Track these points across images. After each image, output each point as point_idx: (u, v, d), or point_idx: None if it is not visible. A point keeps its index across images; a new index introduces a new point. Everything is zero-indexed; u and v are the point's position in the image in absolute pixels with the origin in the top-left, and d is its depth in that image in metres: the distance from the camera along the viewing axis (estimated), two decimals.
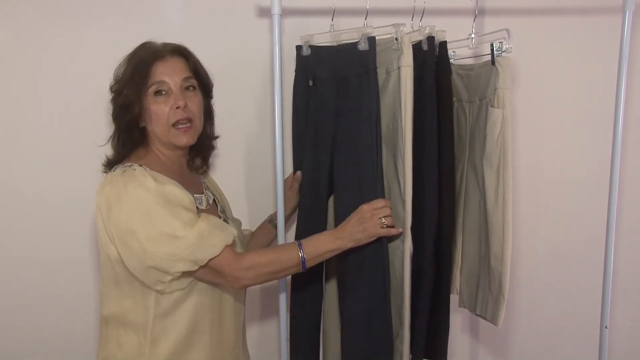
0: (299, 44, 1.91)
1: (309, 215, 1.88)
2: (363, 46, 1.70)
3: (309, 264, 1.58)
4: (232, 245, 1.53)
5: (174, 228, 1.44)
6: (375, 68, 1.68)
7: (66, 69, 2.01)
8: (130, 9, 2.02)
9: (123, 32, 1.98)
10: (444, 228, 1.80)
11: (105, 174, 1.58)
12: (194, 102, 1.60)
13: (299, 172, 1.93)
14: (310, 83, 1.85)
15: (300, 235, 1.87)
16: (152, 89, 1.54)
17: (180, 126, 1.56)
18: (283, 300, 1.83)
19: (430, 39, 1.71)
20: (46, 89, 2.01)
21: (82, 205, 1.99)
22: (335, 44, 1.85)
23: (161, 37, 1.64)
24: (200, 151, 1.74)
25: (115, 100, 1.58)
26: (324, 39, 1.88)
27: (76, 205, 2.05)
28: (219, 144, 1.86)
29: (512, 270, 1.75)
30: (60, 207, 2.06)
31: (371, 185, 1.69)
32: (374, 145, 1.68)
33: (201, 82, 1.66)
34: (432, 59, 1.72)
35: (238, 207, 2.00)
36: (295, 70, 1.90)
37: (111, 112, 1.61)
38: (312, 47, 1.86)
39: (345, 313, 1.78)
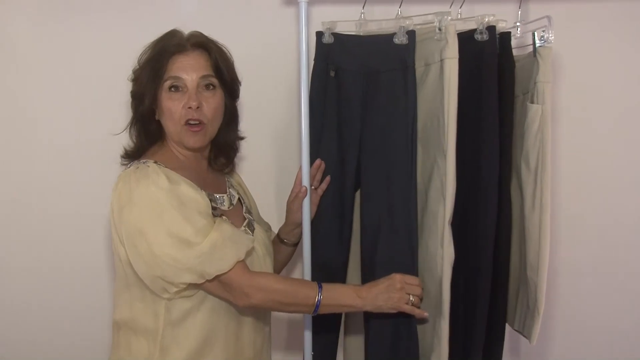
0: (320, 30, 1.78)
1: (327, 214, 1.78)
2: (400, 40, 1.61)
3: (321, 310, 1.49)
4: (244, 261, 1.46)
5: (185, 233, 1.38)
6: (413, 65, 1.60)
7: (83, 59, 1.97)
8: None
9: (138, 20, 1.93)
10: (503, 237, 1.69)
11: (122, 167, 1.54)
12: (211, 103, 1.52)
13: (319, 162, 1.79)
14: (332, 74, 1.75)
15: (315, 236, 1.76)
16: (167, 84, 1.49)
17: (190, 124, 1.50)
18: (309, 318, 1.75)
19: (491, 28, 1.59)
20: (63, 79, 1.98)
21: (99, 202, 1.84)
22: (362, 33, 1.78)
23: (177, 26, 1.58)
24: (222, 151, 1.66)
25: (132, 92, 1.55)
26: (348, 27, 1.78)
27: (92, 202, 1.99)
28: (245, 140, 1.77)
29: (551, 283, 1.68)
30: (76, 205, 2.02)
31: (404, 185, 1.61)
32: (409, 144, 1.61)
33: (223, 80, 1.57)
34: (492, 50, 1.60)
35: (266, 209, 1.91)
36: (315, 59, 1.78)
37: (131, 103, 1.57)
38: (335, 35, 1.75)
39: (370, 327, 1.70)
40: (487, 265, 1.65)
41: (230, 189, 1.66)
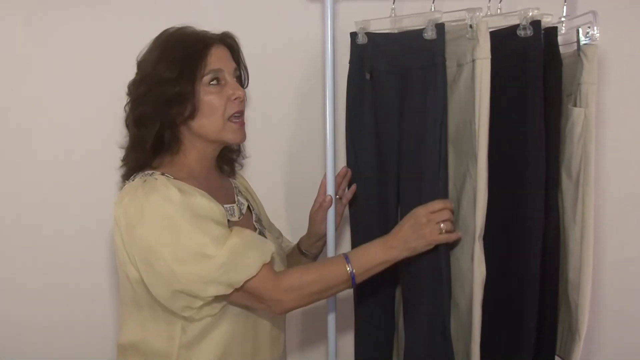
0: (348, 29, 1.73)
1: (369, 231, 1.68)
2: (430, 34, 1.54)
3: (359, 279, 1.43)
4: (270, 264, 1.39)
5: (203, 246, 1.31)
6: (443, 61, 1.52)
7: (85, 61, 1.87)
8: None
9: (151, 19, 1.81)
10: (551, 253, 1.58)
11: (123, 184, 1.46)
12: (243, 95, 1.49)
13: (345, 170, 1.75)
14: (367, 76, 1.70)
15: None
16: (207, 78, 1.41)
17: (235, 120, 1.44)
18: (332, 323, 1.70)
19: (536, 24, 1.48)
20: (63, 83, 1.88)
21: (100, 216, 1.86)
22: (395, 30, 1.71)
23: (193, 23, 1.50)
24: (228, 152, 1.63)
25: (151, 98, 1.39)
26: (382, 25, 1.70)
27: (93, 217, 1.92)
28: (254, 142, 1.71)
29: (595, 303, 1.59)
30: (75, 219, 1.93)
31: (431, 193, 1.54)
32: (437, 149, 1.53)
33: (243, 72, 1.57)
34: (537, 47, 1.49)
35: (275, 213, 1.83)
36: (350, 62, 1.73)
37: (133, 114, 1.44)
38: (369, 34, 1.69)
39: (405, 343, 1.63)
40: (533, 286, 1.53)
41: (239, 196, 1.59)
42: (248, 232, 1.41)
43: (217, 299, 1.35)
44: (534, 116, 1.50)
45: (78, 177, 1.90)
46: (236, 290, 1.33)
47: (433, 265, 1.53)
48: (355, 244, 1.74)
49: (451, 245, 1.55)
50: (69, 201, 1.92)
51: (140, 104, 1.41)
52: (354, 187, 1.72)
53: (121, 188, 1.43)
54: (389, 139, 1.66)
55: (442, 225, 1.46)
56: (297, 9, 1.90)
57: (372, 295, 1.75)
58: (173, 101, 1.38)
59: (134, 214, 1.34)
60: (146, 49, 1.45)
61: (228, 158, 1.63)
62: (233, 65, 1.47)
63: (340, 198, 1.72)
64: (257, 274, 1.34)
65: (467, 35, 1.49)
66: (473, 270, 1.49)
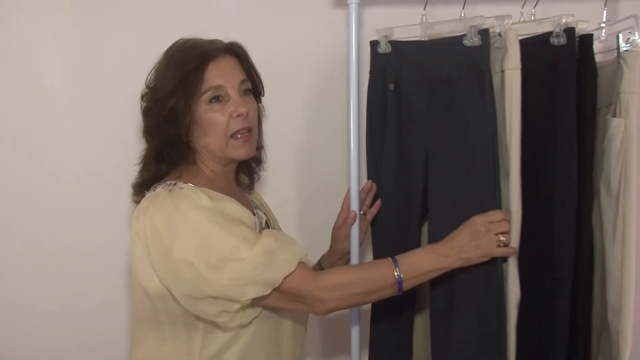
0: (371, 37, 1.67)
1: (391, 247, 1.61)
2: (472, 41, 1.48)
3: (406, 286, 1.37)
4: (305, 265, 1.36)
5: (236, 249, 1.29)
6: (489, 69, 1.46)
7: (101, 70, 1.82)
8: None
9: (170, 28, 1.70)
10: (584, 274, 1.50)
11: (137, 197, 1.46)
12: (252, 108, 1.46)
13: (369, 185, 1.68)
14: (391, 87, 1.63)
15: None
16: (206, 96, 1.39)
17: (239, 136, 1.42)
18: (355, 336, 1.63)
19: (569, 31, 1.43)
20: (73, 92, 1.83)
21: (112, 234, 1.83)
22: (424, 38, 1.65)
23: (211, 29, 1.48)
24: (247, 167, 1.62)
25: (154, 112, 1.41)
26: (408, 33, 1.64)
27: (105, 234, 1.87)
28: (272, 155, 1.70)
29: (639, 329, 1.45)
30: (84, 237, 1.88)
31: (485, 206, 1.47)
32: (490, 162, 1.46)
33: (254, 84, 1.52)
34: (570, 56, 1.44)
35: (293, 230, 1.81)
36: (370, 72, 1.67)
37: (144, 125, 1.45)
38: (393, 42, 1.63)
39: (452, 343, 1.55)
40: (564, 309, 1.47)
41: (257, 210, 1.57)
42: (278, 232, 1.42)
43: (254, 302, 1.32)
44: (565, 130, 1.44)
45: (90, 194, 1.87)
46: (275, 290, 1.30)
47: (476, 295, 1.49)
48: (377, 252, 1.69)
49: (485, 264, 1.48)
50: (80, 215, 1.88)
51: (145, 116, 1.44)
52: (378, 202, 1.67)
53: (136, 200, 1.44)
54: (415, 153, 1.60)
55: (500, 237, 1.41)
56: (320, 15, 1.85)
57: (388, 318, 1.69)
58: (169, 121, 1.38)
59: (162, 224, 1.31)
60: (159, 59, 1.44)
61: (247, 166, 1.61)
62: (239, 77, 1.43)
63: (365, 214, 1.67)
64: (295, 270, 1.31)
65: (495, 44, 1.45)
66: (507, 291, 1.44)
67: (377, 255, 1.68)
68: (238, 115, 1.40)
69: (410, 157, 1.62)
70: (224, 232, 1.30)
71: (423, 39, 1.63)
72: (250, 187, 1.65)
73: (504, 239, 1.40)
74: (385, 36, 1.63)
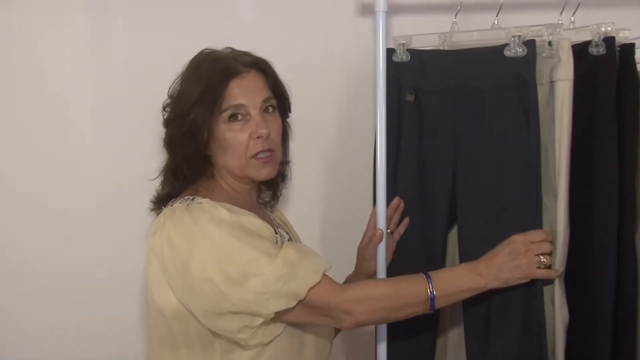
0: (390, 46, 1.60)
1: (411, 260, 1.60)
2: (516, 51, 1.43)
3: (438, 304, 1.32)
4: (329, 277, 1.32)
5: (257, 262, 1.26)
6: (534, 81, 1.41)
7: (120, 80, 1.77)
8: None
9: (182, 31, 1.75)
10: (626, 299, 1.44)
11: (155, 212, 1.44)
12: (275, 128, 1.41)
13: (397, 201, 1.61)
14: (410, 98, 1.57)
15: None
16: (226, 114, 1.35)
17: (260, 156, 1.38)
18: (382, 354, 1.55)
19: (609, 40, 1.38)
20: (93, 99, 1.77)
21: (126, 250, 1.74)
22: (446, 47, 1.61)
23: (229, 37, 1.45)
24: (271, 182, 1.55)
25: (174, 125, 1.39)
26: (427, 41, 1.60)
27: (118, 251, 1.80)
28: (294, 169, 1.64)
29: None
30: (99, 253, 1.81)
31: (524, 227, 1.40)
32: (532, 180, 1.42)
33: (280, 101, 1.46)
34: (610, 66, 1.39)
35: (316, 248, 1.62)
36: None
37: (165, 137, 1.43)
38: (412, 51, 1.57)
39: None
40: (605, 337, 1.42)
41: (279, 229, 1.52)
42: (300, 244, 1.41)
43: (277, 317, 1.27)
44: (603, 146, 1.40)
45: (105, 209, 1.80)
46: (299, 303, 1.25)
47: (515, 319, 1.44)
48: (392, 274, 1.61)
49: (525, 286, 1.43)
50: (95, 236, 1.81)
51: (167, 127, 1.42)
52: (406, 220, 1.60)
53: (154, 215, 1.42)
54: (440, 168, 1.56)
55: (542, 258, 1.36)
56: (345, 24, 1.80)
57: (408, 337, 1.62)
58: (189, 135, 1.36)
59: (180, 239, 1.29)
60: (183, 69, 1.42)
61: (271, 181, 1.54)
62: (263, 95, 1.39)
63: (392, 232, 1.60)
64: (320, 281, 1.27)
65: (543, 54, 1.40)
66: (555, 314, 1.40)
67: (397, 273, 1.62)
68: (258, 137, 1.36)
69: (433, 172, 1.57)
70: (244, 246, 1.27)
71: (451, 48, 1.60)
72: (272, 204, 1.61)
73: (545, 260, 1.36)
74: (403, 44, 1.58)
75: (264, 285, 1.24)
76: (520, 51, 1.41)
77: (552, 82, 1.37)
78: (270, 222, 1.49)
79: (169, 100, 1.41)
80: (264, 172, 1.39)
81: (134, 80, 1.75)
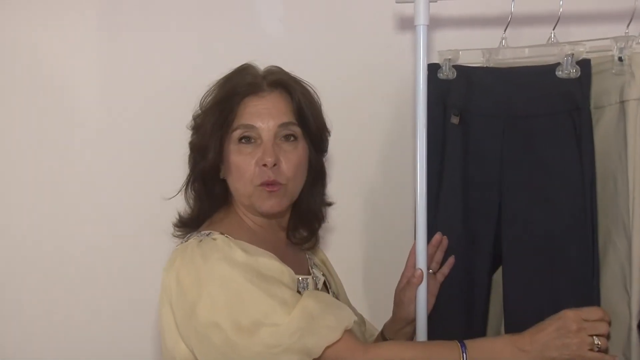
0: (435, 61, 1.54)
1: (449, 304, 1.50)
2: (568, 72, 1.32)
3: None
4: (353, 332, 1.24)
5: (272, 311, 1.19)
6: (588, 106, 1.31)
7: (142, 96, 1.69)
8: (214, 14, 1.69)
9: (211, 53, 1.68)
10: None
11: (177, 238, 1.38)
12: (291, 159, 1.31)
13: (439, 237, 1.51)
14: (454, 120, 1.48)
15: (433, 333, 1.49)
16: (236, 134, 1.29)
17: (267, 187, 1.31)
18: None
19: None
20: (104, 116, 1.70)
21: (144, 283, 1.62)
22: (497, 64, 1.51)
23: (258, 55, 1.37)
24: (304, 221, 1.44)
25: (194, 139, 1.36)
26: (478, 57, 1.51)
27: (134, 283, 1.71)
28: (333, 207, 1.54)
29: None
30: (118, 290, 1.72)
31: (579, 274, 1.33)
32: (586, 216, 1.32)
33: (308, 129, 1.36)
34: None
35: (352, 291, 1.63)
36: (427, 100, 1.54)
37: (189, 152, 1.39)
38: (458, 67, 1.49)
39: None
40: None
41: (314, 269, 1.45)
42: (323, 294, 1.31)
43: None
44: None
45: (124, 239, 1.72)
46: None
47: None
48: (433, 332, 1.50)
49: None
50: (109, 268, 1.73)
51: (190, 142, 1.38)
52: (451, 259, 1.49)
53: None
54: (485, 202, 1.46)
55: (596, 340, 1.23)
56: (383, 39, 1.72)
57: None
58: (199, 153, 1.33)
59: (188, 279, 1.23)
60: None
61: (304, 220, 1.44)
62: (281, 119, 1.30)
63: (434, 273, 1.50)
64: (340, 339, 1.19)
65: (612, 70, 1.28)
66: None
67: (434, 325, 1.53)
68: (264, 165, 1.27)
69: (477, 207, 1.47)
70: (258, 292, 1.20)
71: (499, 65, 1.50)
72: (309, 246, 1.50)
73: (599, 342, 1.23)
74: (449, 59, 1.49)
75: (276, 337, 1.17)
76: (574, 72, 1.32)
77: (622, 102, 1.27)
78: (303, 263, 1.44)
79: (199, 112, 1.37)
80: (267, 204, 1.30)
81: (157, 96, 1.69)
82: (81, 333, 1.72)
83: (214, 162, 1.31)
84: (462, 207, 1.49)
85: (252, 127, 1.28)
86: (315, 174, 1.42)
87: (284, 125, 1.30)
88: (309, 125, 1.36)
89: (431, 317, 1.48)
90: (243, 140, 1.29)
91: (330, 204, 1.51)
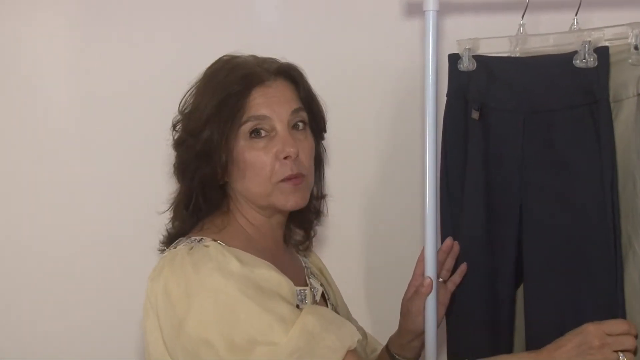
0: (454, 51, 1.49)
1: (472, 319, 1.46)
2: (585, 61, 1.28)
3: None
4: (356, 352, 1.19)
5: (269, 329, 1.14)
6: (607, 97, 1.25)
7: (124, 97, 1.63)
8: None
9: (204, 39, 1.63)
10: None
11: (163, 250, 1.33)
12: (306, 148, 1.28)
13: (450, 243, 1.48)
14: (475, 115, 1.43)
15: (453, 347, 1.49)
16: (246, 127, 1.23)
17: (288, 181, 1.26)
18: None
19: None
20: (90, 114, 1.64)
21: (129, 297, 1.53)
22: (517, 53, 1.46)
23: (257, 46, 1.33)
24: (303, 219, 1.41)
25: (186, 146, 1.28)
26: (499, 47, 1.45)
27: (119, 298, 1.65)
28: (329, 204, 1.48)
29: None
30: (97, 300, 1.66)
31: (602, 279, 1.28)
32: (606, 218, 1.26)
33: (313, 117, 1.33)
34: None
35: (353, 302, 1.58)
36: (448, 94, 1.49)
37: (175, 162, 1.32)
38: (479, 58, 1.44)
39: None
40: None
41: (311, 279, 1.40)
42: (324, 310, 1.25)
43: None
44: None
45: (105, 250, 1.66)
46: None
47: None
48: (452, 348, 1.47)
49: None
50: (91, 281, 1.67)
51: (177, 149, 1.30)
52: (463, 266, 1.45)
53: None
54: (506, 205, 1.41)
55: (620, 355, 1.19)
56: (389, 26, 1.67)
57: None
58: (202, 153, 1.25)
59: (177, 290, 1.18)
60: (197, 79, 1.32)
61: (302, 218, 1.41)
62: (291, 107, 1.27)
63: (445, 281, 1.46)
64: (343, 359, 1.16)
65: (629, 60, 1.23)
66: None
67: (453, 338, 1.51)
68: (285, 157, 1.22)
69: (498, 209, 1.42)
70: (254, 306, 1.15)
71: (517, 55, 1.45)
72: (306, 245, 1.46)
73: (624, 358, 1.20)
74: (469, 49, 1.43)
75: (272, 357, 1.12)
76: (592, 60, 1.26)
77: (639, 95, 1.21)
78: (299, 270, 1.39)
79: (179, 117, 1.30)
80: (293, 200, 1.25)
81: (140, 95, 1.63)
82: (66, 343, 1.65)
83: (224, 167, 1.24)
84: (484, 210, 1.46)
85: (264, 117, 1.23)
86: (317, 162, 1.39)
87: (295, 111, 1.26)
88: (314, 111, 1.33)
89: (453, 329, 1.48)
90: (253, 135, 1.23)
91: (324, 196, 1.46)
